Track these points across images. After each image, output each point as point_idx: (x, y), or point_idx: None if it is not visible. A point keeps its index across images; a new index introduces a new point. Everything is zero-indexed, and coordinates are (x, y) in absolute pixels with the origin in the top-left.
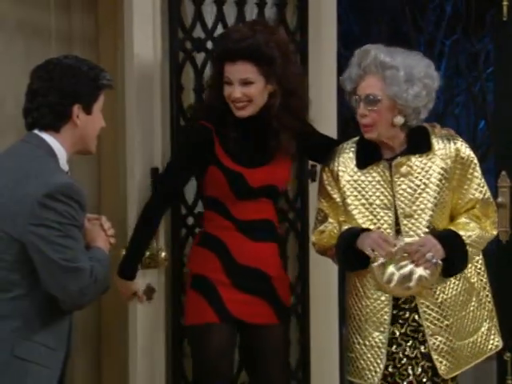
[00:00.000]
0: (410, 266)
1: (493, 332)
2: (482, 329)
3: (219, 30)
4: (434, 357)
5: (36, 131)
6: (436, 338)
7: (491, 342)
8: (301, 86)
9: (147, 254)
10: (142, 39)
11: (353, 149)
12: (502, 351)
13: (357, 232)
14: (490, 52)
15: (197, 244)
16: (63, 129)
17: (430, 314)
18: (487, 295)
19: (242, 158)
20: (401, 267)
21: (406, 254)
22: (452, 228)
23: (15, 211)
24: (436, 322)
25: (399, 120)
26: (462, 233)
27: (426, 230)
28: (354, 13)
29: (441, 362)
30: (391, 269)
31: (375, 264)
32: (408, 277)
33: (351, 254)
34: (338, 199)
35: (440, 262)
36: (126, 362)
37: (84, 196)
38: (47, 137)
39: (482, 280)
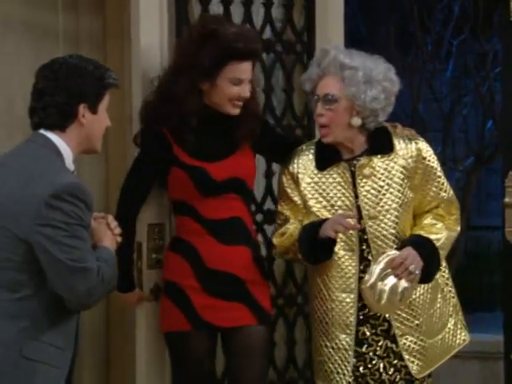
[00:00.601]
0: (394, 281)
1: (459, 327)
2: (449, 324)
3: None
4: (406, 357)
5: (42, 131)
6: (406, 338)
7: (458, 336)
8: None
9: (153, 256)
10: (149, 39)
11: (312, 150)
12: (509, 352)
13: (318, 222)
14: (497, 52)
15: (168, 249)
16: (69, 128)
17: (399, 315)
18: (450, 290)
19: (202, 152)
20: (385, 284)
21: (389, 270)
22: (421, 232)
23: (21, 211)
24: (406, 322)
25: (356, 121)
26: (432, 237)
27: (392, 231)
28: (361, 12)
29: (412, 362)
30: (379, 286)
31: (367, 285)
32: (394, 291)
33: (314, 245)
34: (299, 201)
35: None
36: (134, 360)
37: (90, 195)
38: (53, 136)
39: (443, 276)
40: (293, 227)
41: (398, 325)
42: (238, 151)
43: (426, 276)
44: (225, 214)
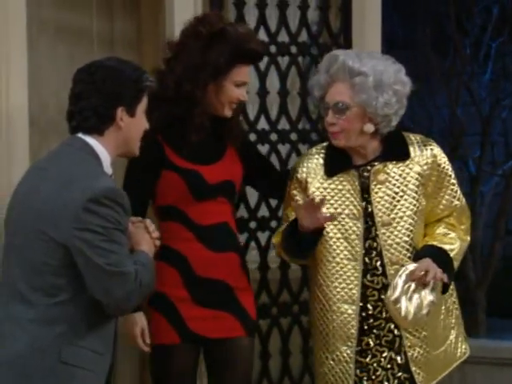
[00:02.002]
0: (417, 295)
1: (460, 339)
2: (451, 337)
3: (261, 33)
4: (413, 368)
5: (80, 134)
6: (414, 350)
7: (459, 349)
8: None
9: None
10: None
11: (322, 155)
12: None
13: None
14: None
15: (156, 259)
16: (107, 132)
17: None
18: (454, 301)
19: (195, 155)
20: (410, 298)
21: (411, 283)
22: (435, 243)
23: (60, 215)
24: (415, 332)
25: (369, 128)
26: (446, 247)
27: (406, 238)
28: (397, 14)
29: (418, 374)
30: (404, 303)
31: (391, 299)
32: (420, 306)
33: (295, 238)
34: None
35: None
36: None
37: (127, 200)
38: (91, 140)
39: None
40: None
41: (408, 335)
42: (227, 154)
43: (442, 287)
44: (214, 218)
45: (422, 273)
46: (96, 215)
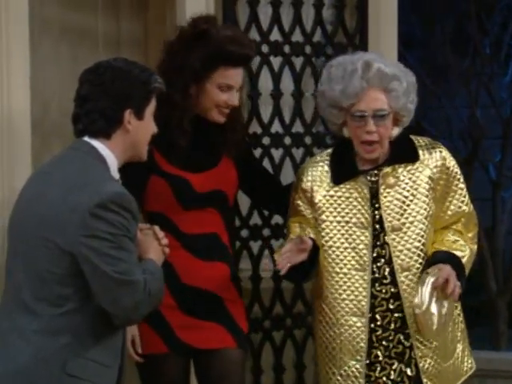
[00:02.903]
0: (438, 304)
1: (466, 353)
2: (457, 350)
3: (275, 32)
4: (424, 380)
5: (86, 138)
6: (425, 360)
7: (465, 364)
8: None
9: None
10: None
11: (327, 162)
12: None
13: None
14: None
15: None
16: (114, 135)
17: (420, 335)
18: (459, 314)
19: (185, 162)
20: (433, 307)
21: (435, 293)
22: (448, 250)
23: (66, 222)
24: (426, 342)
25: (396, 132)
26: (459, 254)
27: (417, 244)
28: (415, 13)
29: None
30: (432, 312)
31: (422, 309)
32: (441, 314)
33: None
34: (310, 216)
35: None
36: None
37: (136, 205)
38: (97, 144)
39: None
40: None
41: (419, 345)
42: (221, 162)
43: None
44: (201, 228)
45: (443, 281)
46: (104, 221)
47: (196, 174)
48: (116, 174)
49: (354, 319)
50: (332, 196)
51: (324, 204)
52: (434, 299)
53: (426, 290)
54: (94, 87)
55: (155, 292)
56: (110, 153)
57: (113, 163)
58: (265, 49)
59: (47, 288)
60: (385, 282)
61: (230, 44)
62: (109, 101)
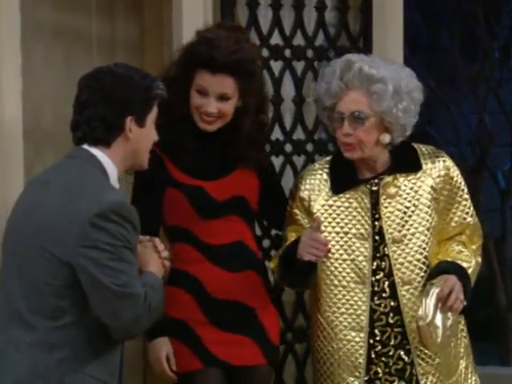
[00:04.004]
0: (442, 315)
1: (470, 370)
2: (460, 367)
3: (275, 35)
4: None
5: (85, 146)
6: (427, 378)
7: (469, 381)
8: (267, 101)
9: None
10: None
11: (326, 170)
12: None
13: (296, 242)
14: None
15: (166, 284)
16: (114, 143)
17: (421, 351)
18: (462, 329)
19: (200, 170)
20: (437, 319)
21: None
22: (454, 260)
23: (65, 232)
24: (428, 359)
25: (385, 138)
26: (465, 265)
27: (419, 256)
28: (421, 15)
29: None
30: (436, 325)
31: (426, 321)
32: (445, 326)
33: (292, 267)
34: (308, 225)
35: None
36: None
37: (137, 216)
38: (97, 152)
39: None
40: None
41: (420, 362)
42: (239, 167)
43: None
44: (226, 238)
45: (447, 292)
46: (104, 232)
47: (212, 181)
48: (116, 183)
49: (353, 334)
50: (331, 206)
51: (322, 214)
52: (438, 311)
53: (431, 301)
54: (93, 93)
55: (155, 305)
56: (109, 161)
57: (113, 172)
58: (265, 53)
59: (43, 300)
60: (384, 295)
61: (203, 46)
62: (109, 107)
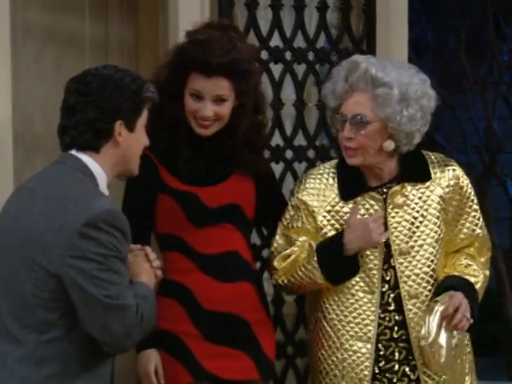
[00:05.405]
0: (447, 334)
1: None
2: (466, 383)
3: (275, 37)
4: None
5: (73, 152)
6: None
7: None
8: (265, 101)
9: None
10: None
11: (332, 174)
12: None
13: (336, 237)
14: None
15: (157, 294)
16: (103, 148)
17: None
18: (467, 344)
19: (194, 176)
20: (442, 339)
21: (444, 323)
22: (460, 275)
23: (52, 242)
24: (434, 376)
25: (389, 145)
26: (472, 280)
27: (427, 269)
28: (427, 16)
29: None
30: (439, 345)
31: (428, 341)
32: (450, 346)
33: (339, 263)
34: (312, 230)
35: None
36: None
37: (127, 224)
38: (85, 158)
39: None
40: (299, 251)
41: (426, 379)
42: (235, 173)
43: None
44: (218, 247)
45: (452, 311)
46: (93, 241)
47: (206, 187)
48: (105, 190)
49: (360, 344)
50: (337, 212)
51: (329, 220)
52: (442, 330)
53: (434, 319)
54: (81, 97)
55: (148, 317)
56: (99, 168)
57: (102, 179)
58: (264, 55)
59: (31, 313)
60: (389, 308)
61: (195, 49)
62: (97, 111)
